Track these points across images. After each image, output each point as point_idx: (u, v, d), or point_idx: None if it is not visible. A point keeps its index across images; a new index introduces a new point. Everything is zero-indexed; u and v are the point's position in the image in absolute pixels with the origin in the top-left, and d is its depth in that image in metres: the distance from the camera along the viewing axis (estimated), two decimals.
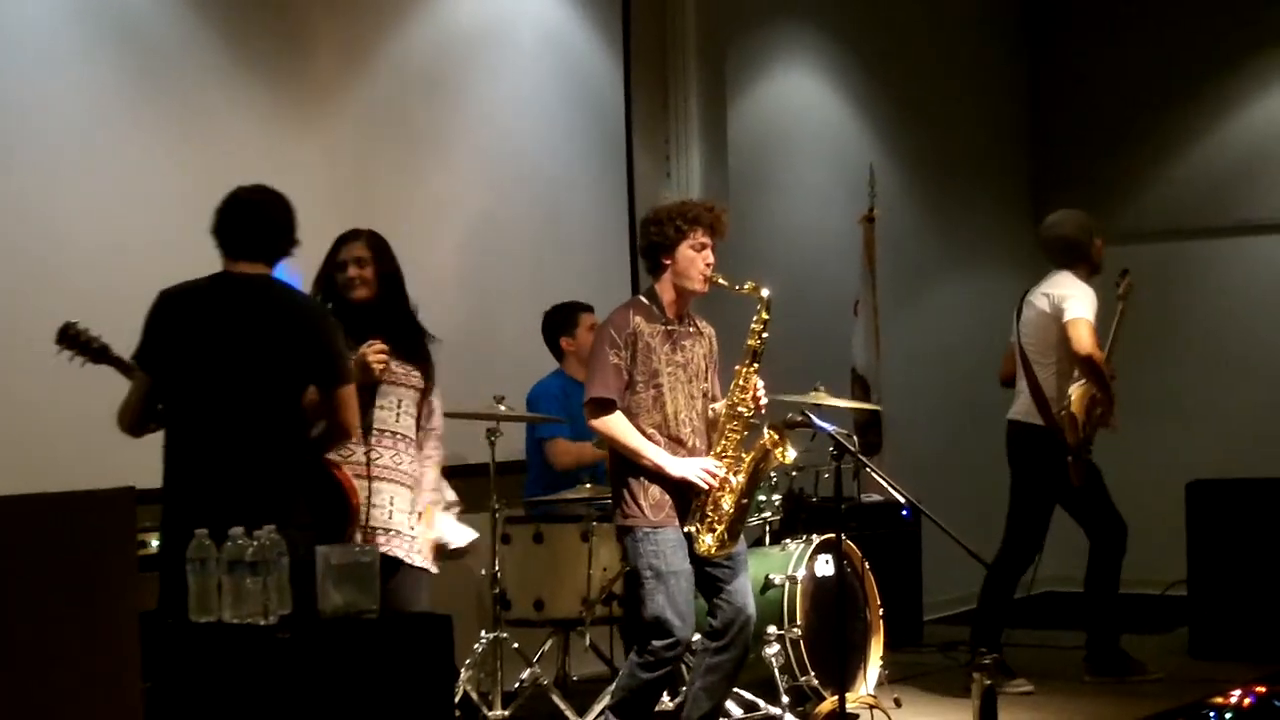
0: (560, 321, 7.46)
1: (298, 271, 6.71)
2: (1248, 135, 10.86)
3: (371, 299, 5.74)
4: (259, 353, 4.94)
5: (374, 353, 5.57)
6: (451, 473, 7.09)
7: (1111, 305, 7.70)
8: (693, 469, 5.81)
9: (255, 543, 4.32)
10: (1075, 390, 7.40)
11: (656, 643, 5.77)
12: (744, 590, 5.95)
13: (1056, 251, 7.63)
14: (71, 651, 3.61)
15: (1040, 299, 7.54)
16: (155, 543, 5.08)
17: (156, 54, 6.50)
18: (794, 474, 7.57)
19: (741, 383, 5.90)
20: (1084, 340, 7.28)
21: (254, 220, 5.04)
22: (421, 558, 5.79)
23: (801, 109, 9.80)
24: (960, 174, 10.92)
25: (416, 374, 5.78)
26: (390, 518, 5.65)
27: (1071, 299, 7.38)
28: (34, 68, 6.10)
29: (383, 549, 5.40)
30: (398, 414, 5.73)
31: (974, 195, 10.98)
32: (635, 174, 8.53)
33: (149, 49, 6.48)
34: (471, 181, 7.77)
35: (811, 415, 6.19)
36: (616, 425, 5.85)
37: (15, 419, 5.88)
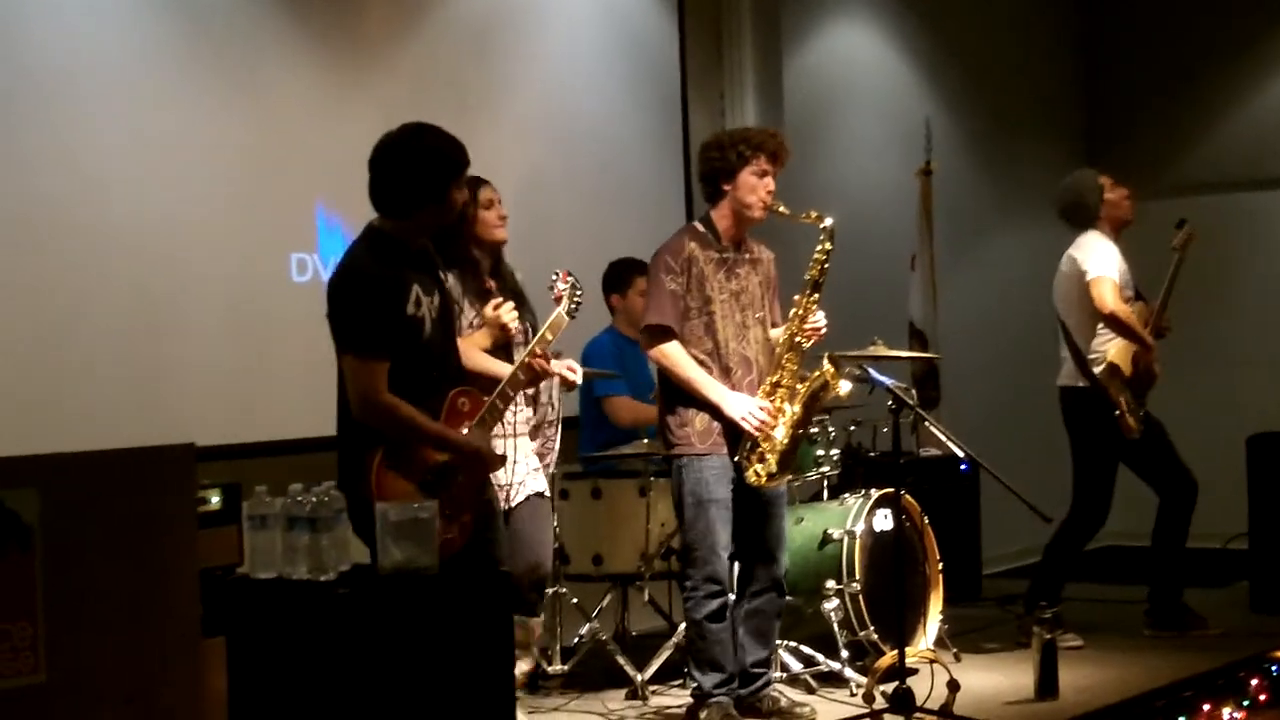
0: (615, 278, 7.43)
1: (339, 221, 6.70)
2: None
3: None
4: None
5: (507, 311, 5.54)
6: None
7: (1166, 256, 7.63)
8: (745, 408, 5.77)
9: (314, 499, 4.33)
10: (1115, 343, 7.35)
11: (694, 572, 5.78)
12: (778, 535, 5.96)
13: (1068, 218, 7.65)
14: (132, 606, 3.63)
15: (1065, 260, 7.54)
16: (215, 499, 5.10)
17: (209, 10, 6.49)
18: (852, 429, 7.56)
19: (800, 313, 5.87)
20: (1105, 298, 7.24)
21: (372, 172, 4.89)
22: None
23: (857, 62, 9.74)
24: (1016, 127, 10.83)
25: None
26: (523, 466, 5.72)
27: (1091, 258, 7.36)
28: (84, 23, 6.10)
29: (524, 494, 5.69)
30: None
31: (1030, 148, 10.89)
32: (690, 129, 8.47)
33: (201, 4, 6.47)
34: (525, 139, 7.75)
35: (870, 369, 6.17)
36: (674, 355, 5.83)
37: (74, 376, 5.91)
